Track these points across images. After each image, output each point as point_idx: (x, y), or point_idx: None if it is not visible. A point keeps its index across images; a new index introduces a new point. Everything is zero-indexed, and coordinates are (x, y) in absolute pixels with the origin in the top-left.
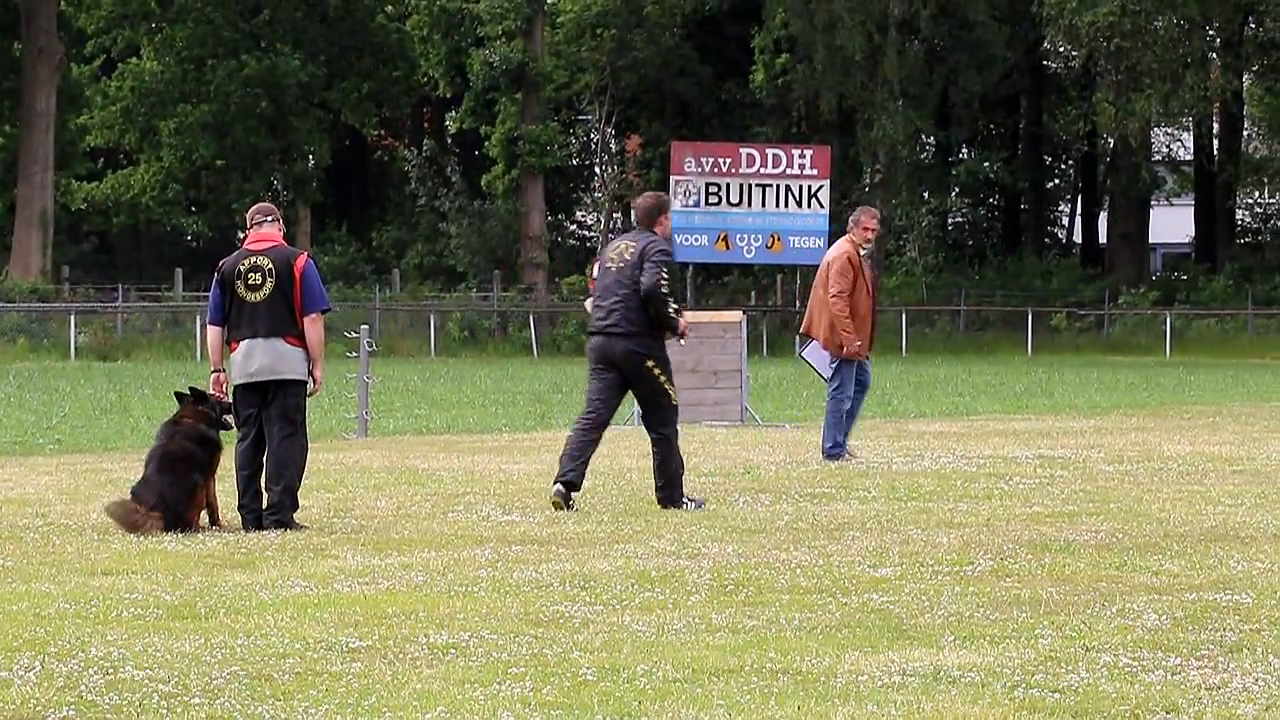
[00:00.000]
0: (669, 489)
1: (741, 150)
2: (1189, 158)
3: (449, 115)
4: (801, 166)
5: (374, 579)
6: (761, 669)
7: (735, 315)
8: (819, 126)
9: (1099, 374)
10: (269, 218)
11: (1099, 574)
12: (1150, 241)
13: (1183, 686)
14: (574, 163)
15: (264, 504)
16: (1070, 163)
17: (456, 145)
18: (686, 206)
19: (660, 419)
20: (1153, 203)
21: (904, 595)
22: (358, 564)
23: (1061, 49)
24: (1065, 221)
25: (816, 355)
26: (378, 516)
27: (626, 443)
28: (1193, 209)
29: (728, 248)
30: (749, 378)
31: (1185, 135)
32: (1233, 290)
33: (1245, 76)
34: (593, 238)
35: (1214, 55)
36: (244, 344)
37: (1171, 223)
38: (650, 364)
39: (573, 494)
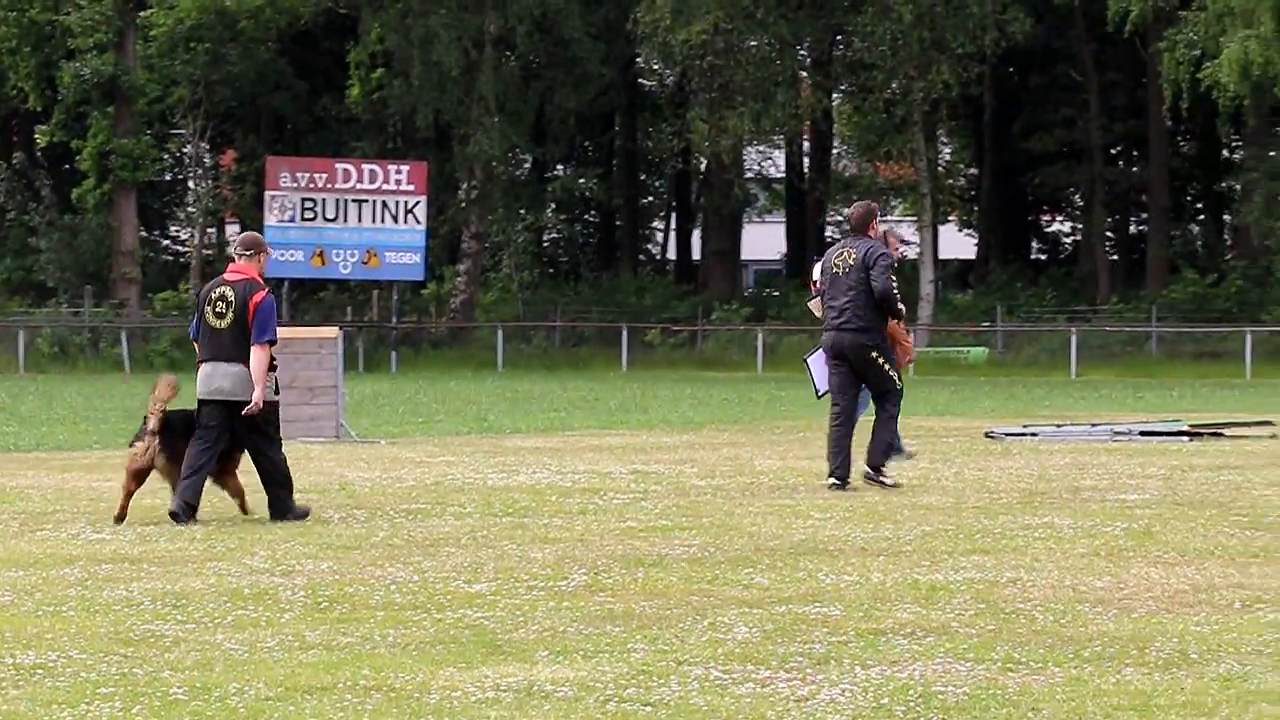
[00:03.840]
0: (874, 457)
1: (337, 165)
2: (781, 175)
3: (39, 128)
4: (398, 182)
5: None
6: (355, 686)
7: (331, 331)
8: (415, 142)
9: (692, 389)
10: (248, 251)
11: (691, 588)
12: (743, 258)
13: (772, 699)
14: (167, 177)
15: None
16: (664, 180)
17: (46, 159)
18: (282, 222)
19: (885, 400)
20: (745, 220)
21: (498, 611)
22: None
23: (655, 67)
24: (660, 238)
25: (819, 367)
26: None
27: None
28: (784, 226)
29: (324, 263)
30: (345, 393)
31: (777, 153)
32: None
33: (835, 95)
34: (186, 253)
35: (805, 74)
36: (207, 365)
37: (763, 239)
38: (874, 354)
39: (846, 484)
